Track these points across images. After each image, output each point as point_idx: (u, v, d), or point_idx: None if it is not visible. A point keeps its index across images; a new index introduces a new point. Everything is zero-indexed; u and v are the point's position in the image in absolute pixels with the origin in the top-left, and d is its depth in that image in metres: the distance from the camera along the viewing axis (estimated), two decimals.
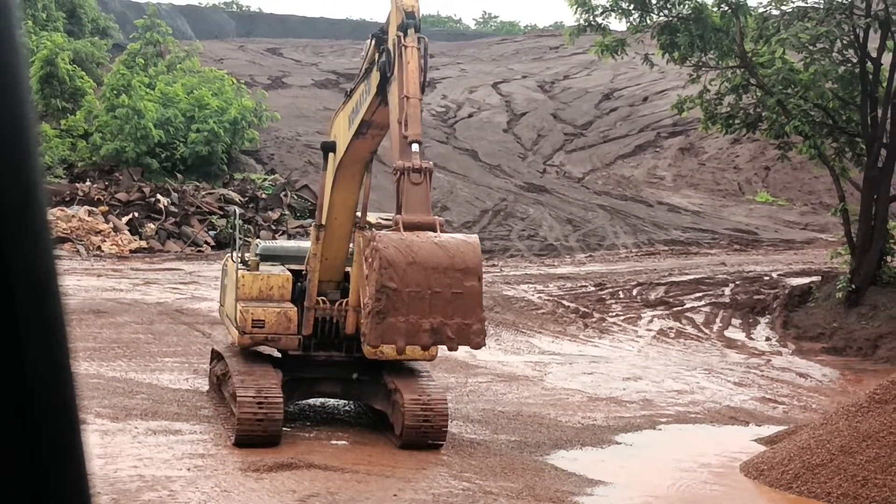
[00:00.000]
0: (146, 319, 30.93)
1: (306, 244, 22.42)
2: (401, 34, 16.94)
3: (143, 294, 34.96)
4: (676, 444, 22.76)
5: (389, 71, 17.10)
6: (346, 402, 22.78)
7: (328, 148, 20.00)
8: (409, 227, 15.25)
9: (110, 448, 19.01)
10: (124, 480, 17.43)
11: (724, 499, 19.57)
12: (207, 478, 17.96)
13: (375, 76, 17.64)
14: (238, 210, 25.15)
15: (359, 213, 20.22)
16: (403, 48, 16.81)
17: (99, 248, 43.98)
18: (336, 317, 20.69)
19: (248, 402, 19.31)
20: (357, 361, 20.76)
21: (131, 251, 44.21)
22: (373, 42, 18.33)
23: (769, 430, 23.87)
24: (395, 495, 17.83)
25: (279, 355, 21.35)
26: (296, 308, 20.49)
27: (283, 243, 24.43)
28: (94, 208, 46.59)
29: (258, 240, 24.32)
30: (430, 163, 16.05)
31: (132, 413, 21.40)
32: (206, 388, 23.44)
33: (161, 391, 23.50)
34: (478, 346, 15.59)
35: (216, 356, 22.89)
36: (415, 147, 15.97)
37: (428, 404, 19.82)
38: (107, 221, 45.92)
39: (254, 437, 19.32)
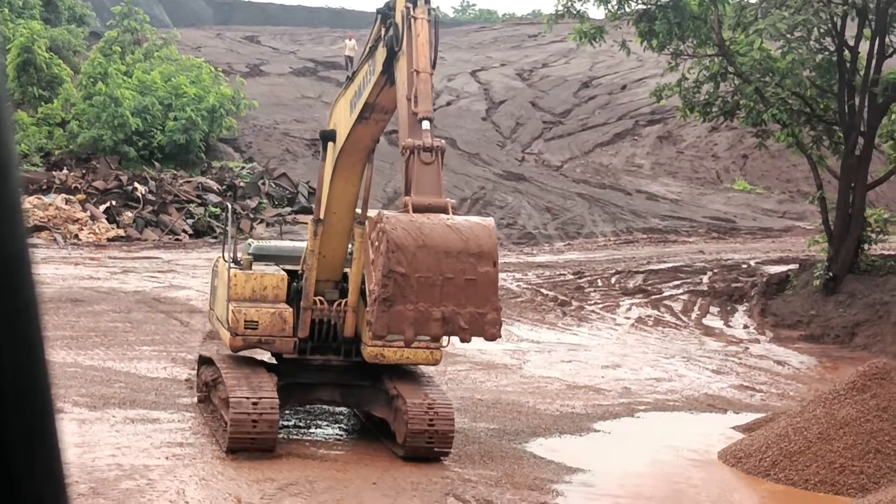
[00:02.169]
0: (124, 308, 30.84)
1: (302, 244, 21.55)
2: (409, 5, 16.01)
3: (121, 282, 34.86)
4: (655, 432, 22.81)
5: (397, 45, 16.13)
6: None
7: (328, 137, 18.95)
8: (419, 208, 14.33)
9: (88, 437, 18.95)
10: (102, 469, 17.38)
11: (702, 486, 19.62)
12: (186, 466, 17.93)
13: (381, 53, 16.77)
14: (231, 206, 23.42)
15: (359, 210, 19.21)
16: (413, 20, 15.90)
17: (76, 236, 43.83)
18: (334, 318, 19.58)
19: (241, 403, 18.16)
20: (356, 366, 19.71)
21: (109, 239, 44.05)
22: (378, 18, 17.45)
23: (747, 417, 23.94)
24: (374, 483, 17.82)
25: (273, 361, 20.29)
26: (291, 309, 19.38)
27: (277, 243, 22.91)
28: (71, 196, 46.41)
29: (251, 239, 22.83)
30: (442, 141, 15.22)
31: (110, 402, 21.33)
32: (196, 399, 21.60)
33: (139, 380, 23.43)
34: (493, 338, 14.51)
35: (204, 362, 21.47)
36: (425, 125, 15.09)
37: (432, 408, 18.65)
38: (84, 210, 45.75)
39: (247, 441, 18.22)
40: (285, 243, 23.12)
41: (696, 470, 20.59)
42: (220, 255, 21.15)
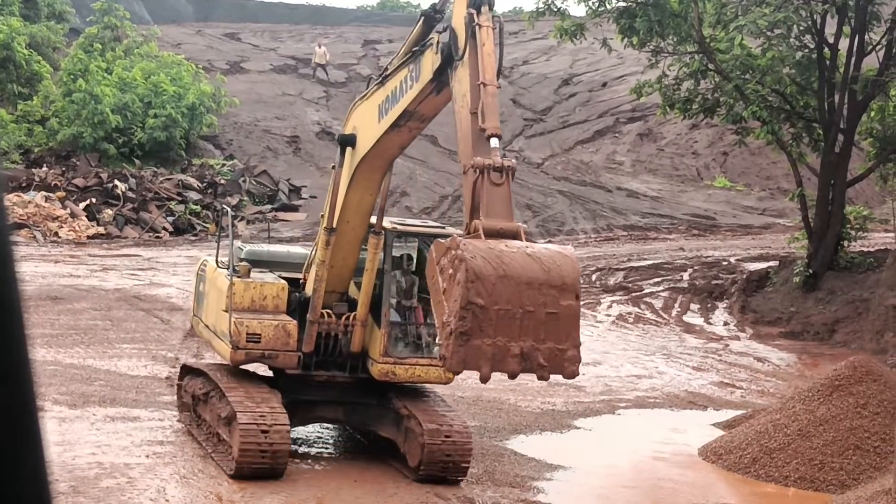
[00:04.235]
0: (104, 306, 30.76)
1: (296, 250, 21.04)
2: (473, 11, 14.87)
3: (101, 280, 34.77)
4: (635, 429, 22.86)
5: (457, 54, 15.00)
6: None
7: (347, 142, 17.68)
8: (490, 233, 13.33)
9: (68, 435, 18.90)
10: (82, 468, 17.35)
11: (683, 483, 19.67)
12: (166, 464, 17.90)
13: (430, 59, 15.63)
14: (230, 210, 22.15)
15: (373, 219, 18.22)
16: (477, 27, 14.78)
17: (56, 234, 43.69)
18: (340, 332, 18.45)
19: (251, 430, 17.13)
20: (361, 383, 18.70)
21: (89, 237, 43.91)
22: (421, 20, 16.74)
23: (727, 414, 24.01)
24: (355, 481, 17.84)
25: (270, 374, 19.30)
26: (295, 322, 18.29)
27: (270, 248, 21.47)
28: (50, 194, 46.25)
29: (240, 243, 21.20)
30: (513, 161, 14.11)
31: (90, 400, 21.28)
32: (176, 414, 20.54)
33: (119, 378, 23.38)
34: (572, 376, 13.67)
35: (189, 372, 20.26)
36: (494, 142, 14.01)
37: (450, 436, 17.67)
38: (64, 207, 45.61)
39: (257, 462, 17.20)
40: (278, 248, 21.90)
41: (676, 467, 20.64)
42: (214, 259, 20.23)
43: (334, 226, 18.00)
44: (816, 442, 19.75)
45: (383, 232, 18.14)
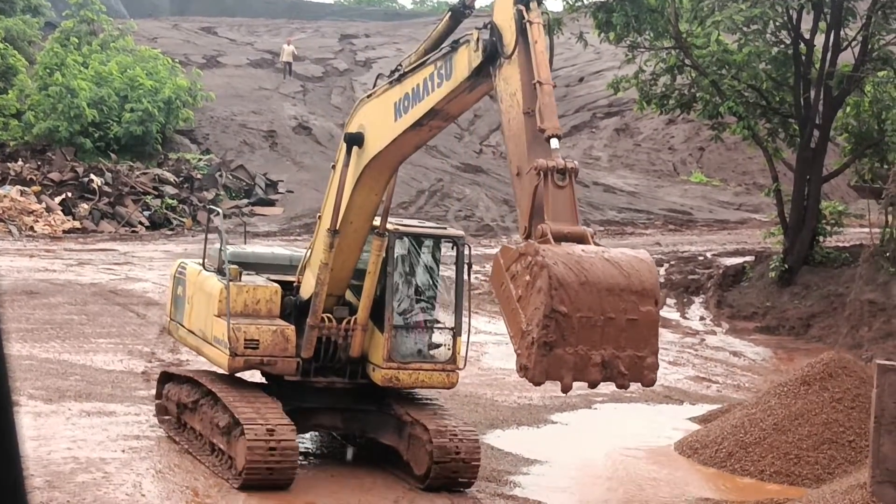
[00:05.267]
0: (80, 300, 30.66)
1: (282, 251, 20.47)
2: (522, 7, 14.33)
3: (77, 275, 34.66)
4: (612, 424, 22.91)
5: (502, 52, 14.47)
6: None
7: (354, 141, 16.95)
8: (558, 237, 12.97)
9: (44, 430, 18.84)
10: (58, 462, 17.30)
11: (659, 477, 19.71)
12: (142, 459, 17.86)
13: (466, 57, 15.01)
14: (222, 212, 21.10)
15: (377, 220, 17.65)
16: (528, 24, 14.23)
17: (31, 228, 43.53)
18: (340, 337, 17.80)
19: (257, 439, 16.44)
20: (359, 389, 18.13)
21: (64, 231, 43.78)
22: (448, 17, 16.30)
23: (703, 408, 24.09)
24: (332, 476, 17.84)
25: (264, 382, 18.62)
26: (293, 326, 17.69)
27: (255, 249, 20.71)
28: (26, 188, 46.09)
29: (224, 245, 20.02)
30: (575, 162, 13.68)
31: (66, 395, 21.21)
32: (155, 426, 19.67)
33: (95, 372, 23.31)
34: (651, 384, 13.43)
35: (171, 379, 19.58)
36: (554, 143, 13.60)
37: (456, 436, 17.21)
38: (39, 202, 45.45)
39: (264, 474, 16.59)
40: (263, 250, 21.05)
41: (652, 461, 20.68)
42: (194, 261, 19.64)
43: (338, 227, 17.28)
44: (792, 436, 19.82)
45: (387, 234, 17.63)
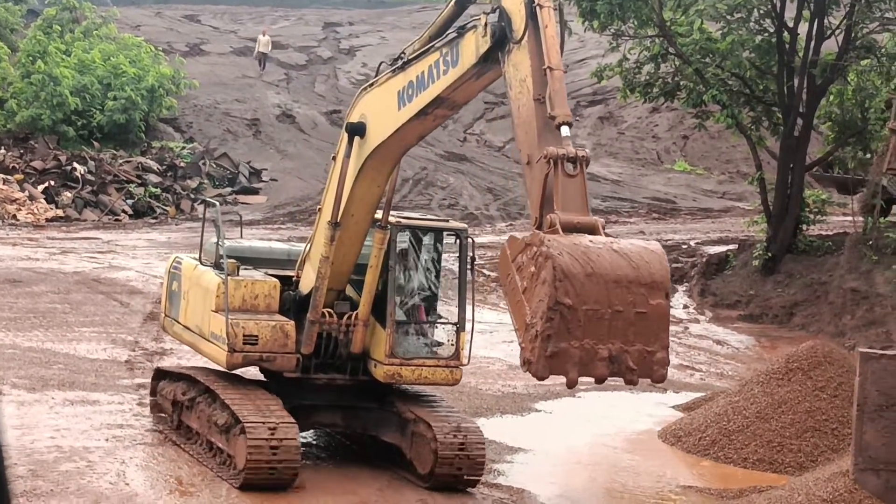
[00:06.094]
0: (63, 289, 30.59)
1: (278, 246, 20.21)
2: None
3: (60, 263, 34.57)
4: (595, 412, 22.94)
5: (511, 36, 14.13)
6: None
7: (356, 131, 16.53)
8: (568, 228, 12.67)
9: (27, 419, 18.82)
10: (41, 451, 17.28)
11: (643, 465, 19.76)
12: (126, 448, 17.85)
13: (474, 43, 14.62)
14: (219, 204, 20.50)
15: (377, 213, 17.31)
16: (538, 8, 13.89)
17: (14, 216, 43.39)
18: (340, 333, 17.35)
19: (259, 438, 16.14)
20: (360, 386, 17.71)
21: (47, 220, 43.64)
22: (453, 3, 16.03)
23: (687, 396, 24.13)
24: (314, 467, 17.84)
25: (262, 377, 18.22)
26: (293, 322, 17.28)
27: (251, 243, 20.15)
28: (8, 176, 45.92)
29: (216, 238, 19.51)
30: (586, 150, 13.44)
31: (49, 383, 21.18)
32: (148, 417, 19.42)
33: (78, 361, 23.28)
34: (661, 380, 13.11)
35: (166, 376, 19.23)
36: (565, 130, 13.27)
37: (461, 431, 16.88)
38: (22, 190, 45.30)
39: (266, 473, 16.29)
40: (259, 244, 20.59)
41: (636, 449, 20.73)
42: (190, 256, 19.29)
43: (339, 220, 16.88)
44: (775, 424, 19.89)
45: (389, 227, 17.25)
